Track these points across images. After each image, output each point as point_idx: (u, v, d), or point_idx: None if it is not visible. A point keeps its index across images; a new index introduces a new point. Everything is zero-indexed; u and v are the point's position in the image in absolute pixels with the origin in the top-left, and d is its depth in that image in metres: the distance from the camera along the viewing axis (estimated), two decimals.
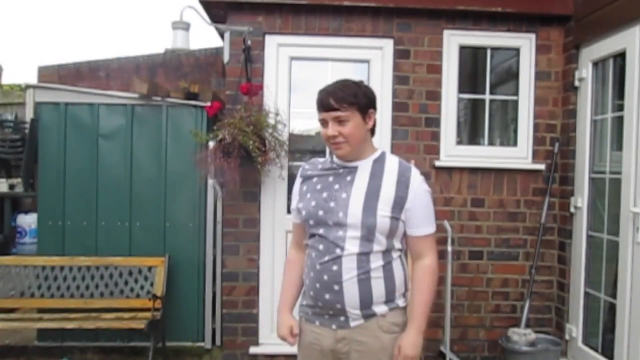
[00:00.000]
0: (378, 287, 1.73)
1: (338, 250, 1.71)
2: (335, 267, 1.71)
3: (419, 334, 1.76)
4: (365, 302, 1.73)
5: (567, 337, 3.45)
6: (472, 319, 3.57)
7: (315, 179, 1.84)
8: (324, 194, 1.77)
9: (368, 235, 1.71)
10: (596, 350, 3.22)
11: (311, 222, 1.77)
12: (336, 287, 1.71)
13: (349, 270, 1.70)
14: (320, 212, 1.74)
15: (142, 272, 3.72)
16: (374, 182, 1.75)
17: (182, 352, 3.82)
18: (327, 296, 1.73)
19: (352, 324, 1.75)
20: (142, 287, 3.68)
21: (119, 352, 3.82)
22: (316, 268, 1.75)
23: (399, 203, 1.73)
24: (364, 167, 1.78)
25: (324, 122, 1.75)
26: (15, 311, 3.88)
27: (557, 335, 3.50)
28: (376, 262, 1.73)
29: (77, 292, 3.66)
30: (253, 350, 3.49)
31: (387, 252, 1.75)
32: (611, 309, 3.09)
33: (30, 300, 3.67)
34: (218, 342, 3.85)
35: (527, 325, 3.38)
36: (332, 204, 1.74)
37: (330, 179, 1.80)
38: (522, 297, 3.53)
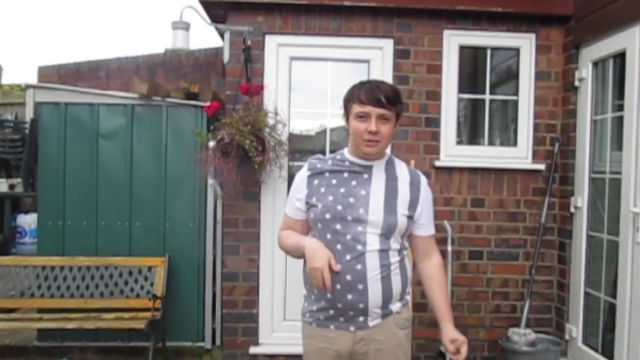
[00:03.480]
0: (397, 284, 1.77)
1: (359, 247, 1.70)
2: (359, 266, 1.69)
3: (452, 324, 1.84)
4: (387, 299, 1.75)
5: (567, 337, 3.45)
6: (472, 319, 3.56)
7: (327, 174, 1.81)
8: (342, 190, 1.76)
9: (388, 233, 1.73)
10: (596, 350, 3.22)
11: (327, 216, 1.73)
12: (360, 287, 1.70)
13: (373, 269, 1.70)
14: (339, 207, 1.72)
15: (142, 272, 3.72)
16: (390, 183, 1.78)
17: (182, 352, 3.82)
18: (349, 297, 1.71)
19: (371, 323, 1.76)
20: (142, 287, 3.68)
21: (119, 352, 3.82)
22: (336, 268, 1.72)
23: (413, 204, 1.79)
24: (379, 167, 1.81)
25: (365, 116, 1.71)
26: (15, 311, 3.89)
27: (557, 335, 3.50)
28: (394, 257, 1.76)
29: (77, 292, 3.66)
30: (253, 350, 3.49)
31: (400, 250, 1.79)
32: (611, 309, 3.09)
33: (30, 300, 3.67)
34: (218, 342, 3.86)
35: (527, 325, 3.38)
36: (351, 200, 1.73)
37: (346, 175, 1.79)
38: (522, 297, 3.53)
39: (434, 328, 3.48)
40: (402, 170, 1.84)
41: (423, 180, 1.86)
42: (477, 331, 3.57)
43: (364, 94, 1.71)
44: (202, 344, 3.88)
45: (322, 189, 1.78)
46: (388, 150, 3.42)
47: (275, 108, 3.36)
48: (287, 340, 3.41)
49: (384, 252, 1.73)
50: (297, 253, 1.83)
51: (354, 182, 1.77)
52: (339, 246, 1.72)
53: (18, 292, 3.67)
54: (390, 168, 1.83)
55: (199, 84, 4.19)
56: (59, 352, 3.75)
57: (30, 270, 3.70)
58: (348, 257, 1.70)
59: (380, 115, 1.71)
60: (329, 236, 1.74)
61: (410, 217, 1.79)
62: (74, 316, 3.59)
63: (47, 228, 3.85)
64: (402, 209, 1.76)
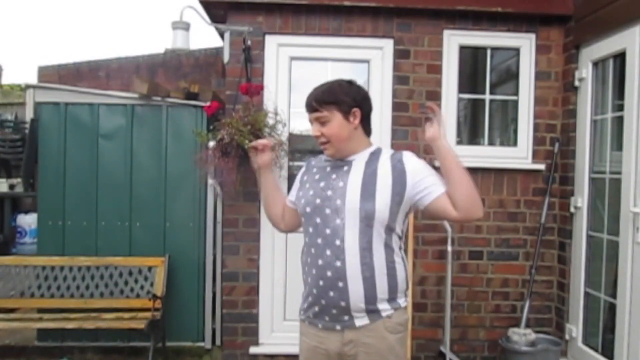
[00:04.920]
0: (382, 284, 1.73)
1: (338, 241, 1.69)
2: (338, 263, 1.69)
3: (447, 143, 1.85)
4: (370, 298, 1.72)
5: (567, 337, 3.45)
6: (472, 319, 3.56)
7: (315, 170, 1.89)
8: (322, 183, 1.81)
9: (367, 221, 1.69)
10: (596, 350, 3.22)
11: (308, 209, 1.79)
12: (341, 284, 1.70)
13: (353, 266, 1.69)
14: (318, 200, 1.77)
15: (142, 272, 3.72)
16: (370, 169, 1.76)
17: (182, 352, 3.82)
18: (331, 293, 1.72)
19: (358, 323, 1.74)
20: (142, 287, 3.69)
21: (119, 352, 3.82)
22: (318, 264, 1.73)
23: (399, 183, 1.72)
24: (361, 159, 1.81)
25: (311, 123, 1.85)
26: (15, 311, 3.89)
27: (557, 335, 3.50)
28: (379, 256, 1.72)
29: (77, 292, 3.66)
30: (253, 350, 3.49)
31: (387, 247, 1.74)
32: (611, 309, 3.09)
33: (30, 300, 3.67)
34: (218, 342, 3.85)
35: (527, 325, 3.38)
36: (329, 192, 1.76)
37: (328, 169, 1.84)
38: (522, 297, 3.52)
39: (434, 328, 3.50)
40: (385, 157, 1.79)
41: (406, 155, 1.79)
42: (477, 331, 3.57)
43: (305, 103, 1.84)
44: (202, 344, 3.88)
45: (307, 185, 1.86)
46: (386, 145, 3.45)
47: (275, 108, 3.36)
48: (287, 340, 3.41)
49: (365, 249, 1.70)
50: (263, 191, 2.02)
51: (333, 176, 1.80)
52: (319, 240, 1.74)
53: (18, 292, 3.67)
54: (373, 158, 1.80)
55: (199, 84, 4.18)
56: (59, 352, 3.75)
57: (30, 270, 3.70)
58: (328, 252, 1.71)
59: (317, 119, 1.80)
60: (311, 230, 1.79)
61: (395, 201, 1.71)
62: (74, 316, 3.59)
63: (47, 228, 3.84)
64: (382, 194, 1.70)
